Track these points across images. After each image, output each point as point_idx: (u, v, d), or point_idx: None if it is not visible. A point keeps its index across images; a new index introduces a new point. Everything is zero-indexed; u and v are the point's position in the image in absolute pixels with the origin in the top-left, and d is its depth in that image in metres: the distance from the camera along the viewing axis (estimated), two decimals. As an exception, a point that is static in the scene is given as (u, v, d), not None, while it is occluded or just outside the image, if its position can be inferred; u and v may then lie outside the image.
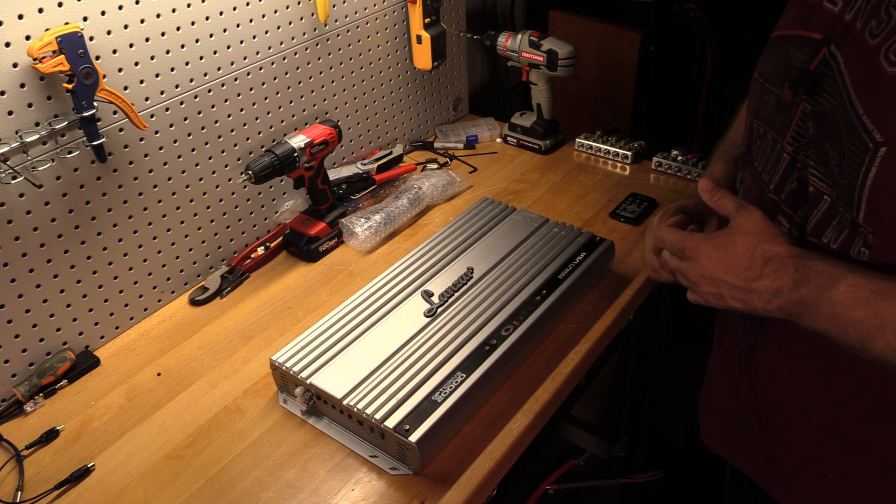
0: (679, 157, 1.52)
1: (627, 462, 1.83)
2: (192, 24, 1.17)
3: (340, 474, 0.96)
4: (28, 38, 0.97)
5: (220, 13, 1.21)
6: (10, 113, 0.98)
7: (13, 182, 1.01)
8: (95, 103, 1.02)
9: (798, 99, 0.77)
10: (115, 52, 1.07)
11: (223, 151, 1.29)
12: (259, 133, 1.34)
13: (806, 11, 0.79)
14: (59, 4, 0.99)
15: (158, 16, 1.12)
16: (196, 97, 1.21)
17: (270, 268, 1.35)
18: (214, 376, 1.12)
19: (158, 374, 1.13)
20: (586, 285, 1.21)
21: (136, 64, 1.11)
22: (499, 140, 1.72)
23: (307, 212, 1.40)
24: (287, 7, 1.31)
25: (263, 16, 1.28)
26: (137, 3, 1.08)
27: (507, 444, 0.97)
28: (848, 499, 0.88)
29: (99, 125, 1.06)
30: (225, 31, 1.22)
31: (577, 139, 1.64)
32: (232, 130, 1.29)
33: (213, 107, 1.24)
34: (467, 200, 1.50)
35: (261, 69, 1.30)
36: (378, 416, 0.95)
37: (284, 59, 1.34)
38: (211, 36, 1.20)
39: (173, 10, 1.13)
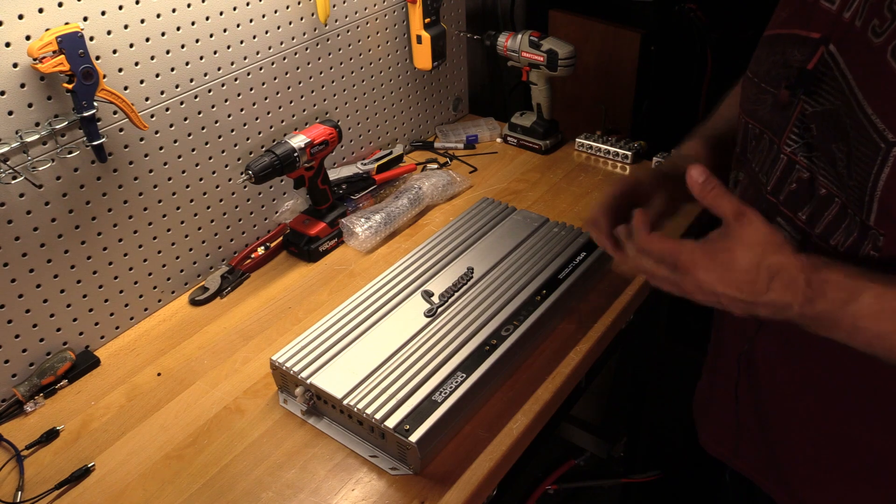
0: (679, 157, 1.52)
1: (627, 462, 1.83)
2: (193, 24, 1.17)
3: (340, 474, 0.96)
4: (28, 38, 0.97)
5: (220, 13, 1.21)
6: (10, 113, 0.98)
7: (13, 182, 1.01)
8: (95, 103, 1.02)
9: (796, 99, 0.77)
10: (115, 52, 1.07)
11: (223, 151, 1.29)
12: (259, 133, 1.34)
13: (801, 10, 0.78)
14: (60, 4, 0.99)
15: (158, 16, 1.12)
16: (196, 97, 1.21)
17: (270, 268, 1.35)
18: (214, 376, 1.12)
19: (158, 374, 1.13)
20: (586, 285, 1.21)
21: (137, 64, 1.11)
22: (499, 140, 1.72)
23: (307, 212, 1.40)
24: (287, 7, 1.31)
25: (263, 16, 1.28)
26: (138, 3, 1.08)
27: (507, 444, 0.97)
28: (849, 500, 0.87)
29: (99, 125, 1.06)
30: (225, 31, 1.22)
31: (577, 139, 1.64)
32: (232, 130, 1.29)
33: (213, 107, 1.24)
34: (467, 200, 1.50)
35: (261, 69, 1.30)
36: (378, 416, 0.95)
37: (284, 59, 1.34)
38: (211, 36, 1.20)
39: (173, 11, 1.13)
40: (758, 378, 0.91)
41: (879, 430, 0.81)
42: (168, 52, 1.15)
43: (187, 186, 1.24)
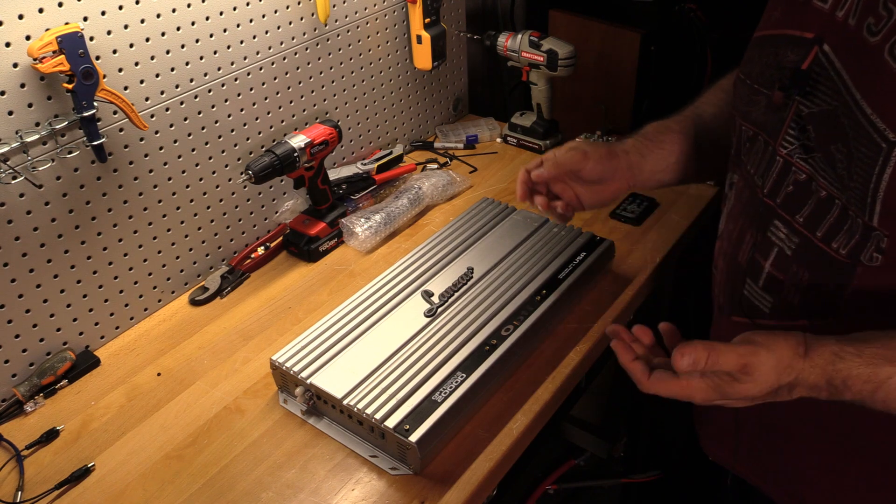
0: (679, 157, 1.52)
1: (627, 462, 1.83)
2: (193, 24, 1.17)
3: (340, 474, 0.96)
4: (28, 38, 0.97)
5: (220, 13, 1.21)
6: (10, 113, 0.98)
7: (13, 182, 1.01)
8: (95, 103, 1.02)
9: (790, 100, 0.76)
10: (115, 52, 1.07)
11: (223, 151, 1.29)
12: (259, 133, 1.34)
13: (793, 10, 0.77)
14: (60, 4, 0.99)
15: (158, 16, 1.12)
16: (196, 97, 1.21)
17: (270, 268, 1.35)
18: (214, 376, 1.12)
19: (158, 374, 1.13)
20: (586, 285, 1.21)
21: (137, 64, 1.11)
22: (499, 140, 1.72)
23: (307, 212, 1.40)
24: (287, 7, 1.31)
25: (263, 16, 1.28)
26: (138, 3, 1.08)
27: (507, 444, 0.97)
28: (850, 502, 0.87)
29: (99, 125, 1.06)
30: (225, 31, 1.22)
31: (577, 139, 1.64)
32: (232, 130, 1.29)
33: (213, 107, 1.24)
34: (467, 200, 1.50)
35: (261, 69, 1.30)
36: (378, 416, 0.95)
37: (284, 59, 1.34)
38: (211, 36, 1.20)
39: (173, 11, 1.13)
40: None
41: (881, 433, 0.80)
42: (168, 52, 1.15)
43: (187, 186, 1.24)
